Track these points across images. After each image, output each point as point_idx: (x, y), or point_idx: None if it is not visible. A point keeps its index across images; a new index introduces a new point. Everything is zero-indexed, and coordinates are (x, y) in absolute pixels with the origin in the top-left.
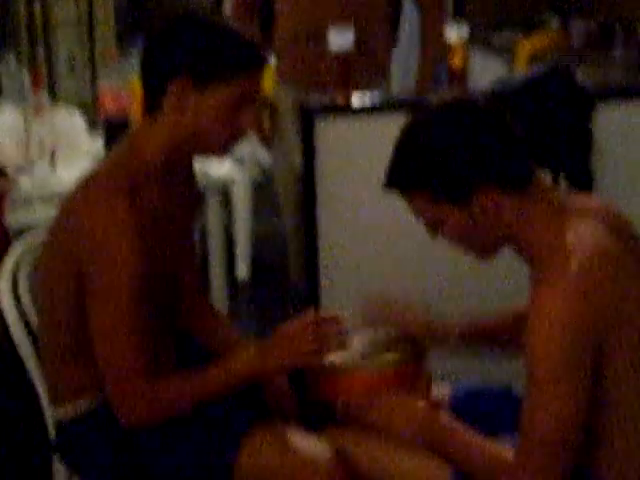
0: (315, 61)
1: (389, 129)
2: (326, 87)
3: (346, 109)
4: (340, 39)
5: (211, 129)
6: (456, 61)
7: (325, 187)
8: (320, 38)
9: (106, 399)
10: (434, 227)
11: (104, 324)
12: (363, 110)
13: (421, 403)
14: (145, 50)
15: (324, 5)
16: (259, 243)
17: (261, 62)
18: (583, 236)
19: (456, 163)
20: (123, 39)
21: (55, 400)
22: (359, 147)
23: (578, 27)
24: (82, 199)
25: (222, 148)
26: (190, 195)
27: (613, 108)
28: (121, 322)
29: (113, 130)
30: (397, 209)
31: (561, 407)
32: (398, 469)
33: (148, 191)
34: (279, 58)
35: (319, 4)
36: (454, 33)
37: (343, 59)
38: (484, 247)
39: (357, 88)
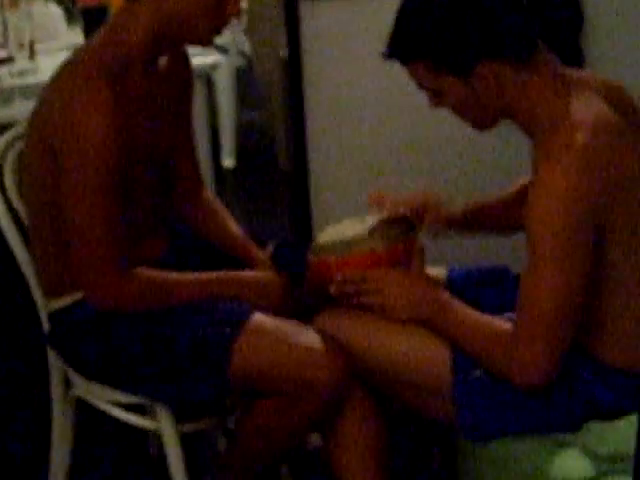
0: None
1: (376, 9)
2: None
3: None
4: None
5: (194, 15)
6: None
7: (311, 70)
8: None
9: None
10: (435, 96)
11: (75, 214)
12: None
13: (419, 280)
14: None
15: None
16: (244, 132)
17: None
18: (585, 109)
19: (458, 33)
20: None
21: (47, 292)
22: (345, 28)
23: None
24: (59, 86)
25: (206, 36)
26: (181, 81)
27: None
28: (92, 212)
29: (92, 19)
30: (386, 89)
31: (562, 282)
32: (397, 350)
33: (131, 77)
34: None
35: None
36: None
37: None
38: (484, 118)
39: None
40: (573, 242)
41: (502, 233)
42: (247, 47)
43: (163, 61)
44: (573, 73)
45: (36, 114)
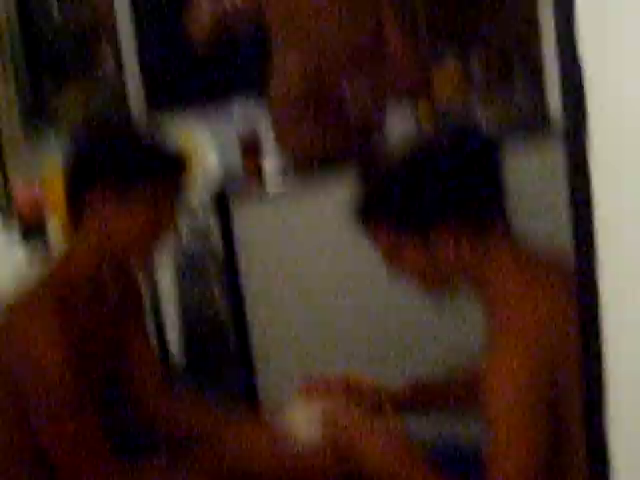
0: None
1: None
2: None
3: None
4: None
5: (132, 235)
6: None
7: (248, 270)
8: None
9: None
10: (391, 258)
11: (52, 429)
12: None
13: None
14: (65, 162)
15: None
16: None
17: (177, 165)
18: (542, 293)
19: (420, 195)
20: (29, 123)
21: None
22: (277, 230)
23: (477, 57)
24: (7, 321)
25: (145, 251)
26: (128, 292)
27: (515, 149)
28: (66, 425)
29: (29, 230)
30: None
31: (534, 434)
32: None
33: (76, 300)
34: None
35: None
36: None
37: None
38: (439, 284)
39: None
40: (535, 398)
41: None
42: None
43: (109, 276)
44: (535, 250)
45: None
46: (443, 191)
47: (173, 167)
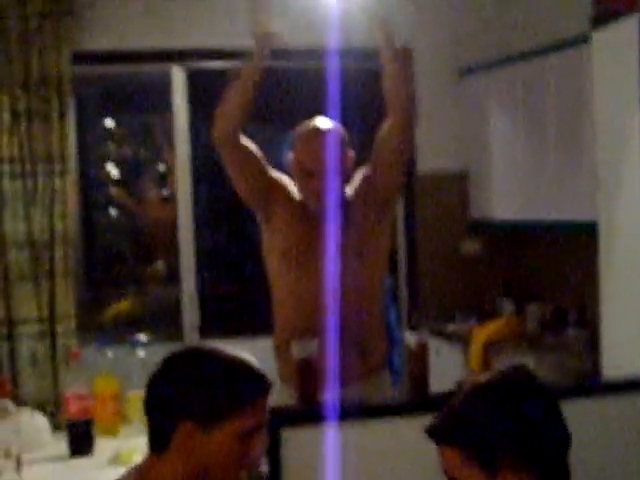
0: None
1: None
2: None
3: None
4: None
5: (221, 465)
6: (416, 367)
7: None
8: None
9: None
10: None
11: None
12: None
13: None
14: (149, 389)
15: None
16: None
17: (266, 390)
18: None
19: (494, 434)
20: (84, 334)
21: None
22: (325, 457)
23: (532, 311)
24: None
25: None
26: None
27: (571, 405)
28: None
29: (77, 432)
30: None
31: None
32: None
33: None
34: (278, 352)
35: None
36: (413, 339)
37: (306, 365)
38: None
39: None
40: None
41: None
42: None
43: None
44: None
45: None
46: (515, 435)
47: (262, 390)
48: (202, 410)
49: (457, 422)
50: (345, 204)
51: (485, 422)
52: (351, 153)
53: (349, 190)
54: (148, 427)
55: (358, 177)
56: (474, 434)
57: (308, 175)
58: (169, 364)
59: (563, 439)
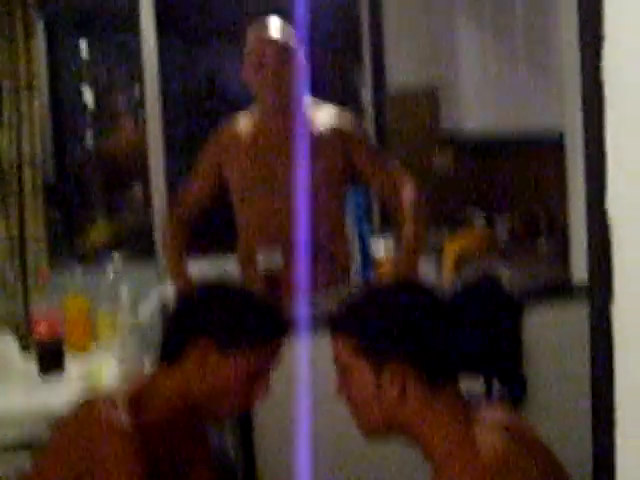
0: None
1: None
2: None
3: None
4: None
5: (226, 393)
6: (384, 273)
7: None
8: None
9: None
10: (343, 378)
11: None
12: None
13: None
14: (175, 310)
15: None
16: None
17: (283, 331)
18: (484, 441)
19: (385, 329)
20: (55, 255)
21: None
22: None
23: (503, 222)
24: (86, 425)
25: (230, 412)
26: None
27: (539, 310)
28: None
29: (46, 351)
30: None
31: None
32: None
33: (150, 427)
34: (243, 267)
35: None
36: (381, 246)
37: (272, 276)
38: (377, 421)
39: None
40: None
41: None
42: None
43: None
44: (482, 411)
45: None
46: (409, 330)
47: (280, 330)
48: (224, 333)
49: (353, 312)
50: (312, 135)
51: (379, 315)
52: (301, 53)
53: (321, 127)
54: (163, 337)
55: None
56: (366, 326)
57: (259, 67)
58: (204, 288)
59: (451, 346)
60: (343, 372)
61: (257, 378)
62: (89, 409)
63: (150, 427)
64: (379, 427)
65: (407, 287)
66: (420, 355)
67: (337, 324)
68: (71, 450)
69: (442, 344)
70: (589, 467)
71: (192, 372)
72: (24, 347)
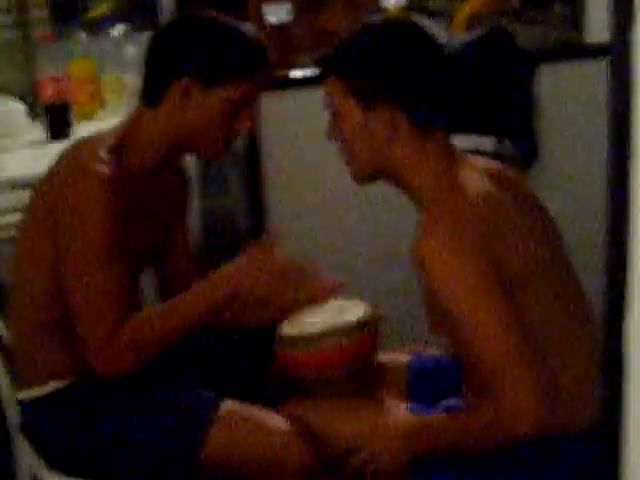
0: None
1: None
2: None
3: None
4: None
5: (211, 128)
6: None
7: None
8: None
9: (75, 380)
10: (334, 122)
11: (78, 275)
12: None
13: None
14: (151, 47)
15: None
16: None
17: (265, 63)
18: (470, 182)
19: (378, 68)
20: (59, 21)
21: (24, 381)
22: (301, 119)
23: None
24: (63, 180)
25: (217, 148)
26: (177, 187)
27: (553, 69)
28: (94, 274)
29: (55, 115)
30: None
31: (500, 319)
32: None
33: (133, 180)
34: None
35: None
36: (391, 1)
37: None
38: (366, 163)
39: None
40: (486, 284)
41: None
42: None
43: (166, 168)
44: (467, 157)
45: (39, 190)
46: (400, 70)
47: (262, 61)
48: (202, 68)
49: (346, 52)
50: None
51: (372, 54)
52: None
53: None
54: (143, 81)
55: None
56: (359, 65)
57: None
58: (173, 24)
59: (444, 90)
60: (335, 114)
61: (239, 110)
62: (72, 155)
63: (132, 175)
64: (369, 169)
65: (403, 25)
66: (411, 97)
67: (329, 65)
68: (51, 192)
69: (436, 88)
70: (600, 237)
71: (175, 109)
72: (33, 115)
